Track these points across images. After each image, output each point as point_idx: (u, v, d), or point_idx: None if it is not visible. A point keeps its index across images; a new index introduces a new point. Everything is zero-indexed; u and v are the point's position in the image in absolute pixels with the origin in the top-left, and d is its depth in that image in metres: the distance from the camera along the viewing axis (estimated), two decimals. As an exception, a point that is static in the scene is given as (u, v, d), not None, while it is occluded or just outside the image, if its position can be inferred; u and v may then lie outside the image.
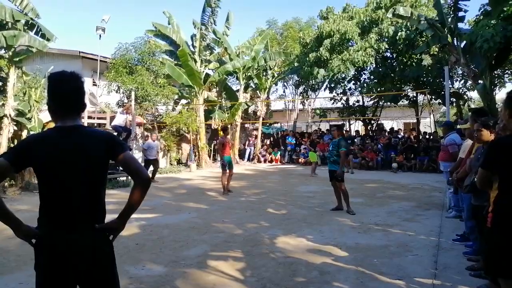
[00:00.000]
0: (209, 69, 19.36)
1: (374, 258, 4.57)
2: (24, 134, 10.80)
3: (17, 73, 10.69)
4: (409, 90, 18.40)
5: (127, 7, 68.18)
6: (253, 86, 22.46)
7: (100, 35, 17.20)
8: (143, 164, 12.12)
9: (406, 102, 18.86)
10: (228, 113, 19.22)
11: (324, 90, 21.01)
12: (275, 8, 55.01)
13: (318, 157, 15.08)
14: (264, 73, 20.83)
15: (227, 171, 9.51)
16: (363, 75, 19.30)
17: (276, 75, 21.89)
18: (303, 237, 5.54)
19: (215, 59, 19.34)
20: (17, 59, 10.50)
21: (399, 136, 17.72)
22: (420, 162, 14.92)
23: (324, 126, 23.63)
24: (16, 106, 10.41)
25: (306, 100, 24.16)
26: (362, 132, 21.15)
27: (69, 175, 1.87)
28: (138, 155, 15.38)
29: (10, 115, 10.06)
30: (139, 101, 15.16)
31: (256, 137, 20.81)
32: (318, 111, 23.23)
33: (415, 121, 20.25)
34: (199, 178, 13.21)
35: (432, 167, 14.38)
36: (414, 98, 18.68)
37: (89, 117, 12.34)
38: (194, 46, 18.29)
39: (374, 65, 17.52)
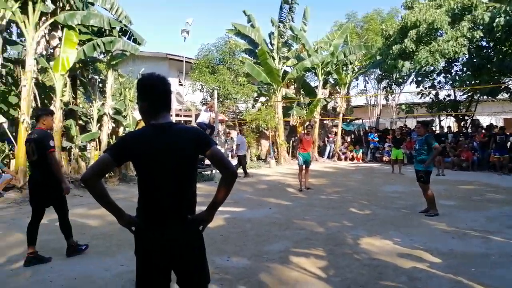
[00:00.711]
0: (287, 66, 19.38)
1: (472, 267, 4.16)
2: (121, 130, 11.86)
3: (114, 75, 11.77)
4: (509, 82, 16.44)
5: (209, 8, 71.27)
6: (332, 82, 21.97)
7: (184, 38, 18.18)
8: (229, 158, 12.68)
9: (506, 95, 16.86)
10: (306, 110, 19.06)
11: (410, 84, 19.78)
12: (354, 1, 53.07)
13: (405, 156, 14.21)
14: (344, 68, 20.23)
15: (303, 167, 9.52)
16: (455, 67, 17.70)
17: (356, 70, 21.13)
18: (389, 240, 5.25)
19: (293, 55, 19.28)
20: (114, 62, 11.55)
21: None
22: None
23: (411, 123, 22.15)
24: (113, 105, 11.46)
25: (390, 95, 22.93)
26: (454, 129, 19.45)
27: (162, 170, 2.00)
28: (221, 151, 16.03)
29: (109, 113, 11.12)
30: (221, 99, 15.75)
31: (336, 134, 20.33)
32: (403, 107, 21.92)
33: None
34: (278, 174, 13.30)
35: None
36: (517, 91, 16.64)
37: (176, 115, 13.14)
38: (272, 44, 18.44)
39: (467, 56, 15.96)
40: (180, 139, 2.05)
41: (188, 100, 16.86)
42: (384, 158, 17.13)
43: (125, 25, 10.97)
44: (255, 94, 18.84)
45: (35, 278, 3.86)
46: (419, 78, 17.95)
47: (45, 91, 10.98)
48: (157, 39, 58.41)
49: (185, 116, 14.51)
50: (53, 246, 4.88)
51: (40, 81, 10.74)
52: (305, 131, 10.09)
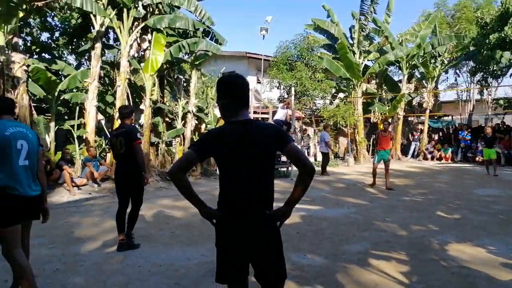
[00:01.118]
0: (368, 60, 18.59)
1: None
2: (203, 127, 12.48)
3: (197, 74, 12.37)
4: None
5: (288, 5, 71.30)
6: (418, 76, 20.56)
7: (263, 36, 18.43)
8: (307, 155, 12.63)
9: None
10: (389, 106, 18.11)
11: (510, 76, 17.70)
12: (445, -12, 48.87)
13: (502, 155, 12.79)
14: (432, 61, 18.80)
15: (376, 164, 9.47)
16: None
17: (446, 62, 19.51)
18: (483, 247, 4.77)
19: (375, 49, 18.44)
20: (197, 62, 12.15)
21: None
22: None
23: (510, 119, 19.80)
24: (196, 103, 12.08)
25: (486, 89, 20.78)
26: None
27: (241, 166, 2.08)
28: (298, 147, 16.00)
29: (192, 111, 11.75)
30: (298, 96, 15.69)
31: (421, 131, 19.01)
32: (501, 102, 19.69)
33: None
34: (357, 173, 12.86)
35: None
36: None
37: (254, 112, 13.41)
38: (352, 38, 17.85)
39: None
40: (258, 135, 2.12)
41: (265, 97, 17.09)
42: (477, 158, 15.59)
43: (208, 26, 11.43)
44: (333, 90, 18.41)
45: (126, 263, 4.22)
46: (522, 70, 16.02)
47: (136, 90, 11.97)
48: (236, 38, 60.18)
49: (262, 113, 14.74)
50: (142, 234, 5.30)
51: (132, 82, 11.71)
52: (383, 127, 9.75)
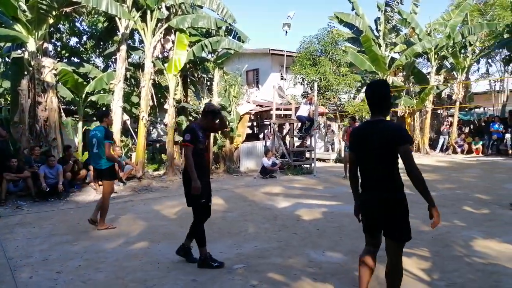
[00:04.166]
0: (394, 52, 18.12)
1: None
2: (226, 125, 12.54)
3: (220, 73, 12.46)
4: None
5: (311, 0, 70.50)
6: (448, 67, 19.83)
7: (286, 31, 18.30)
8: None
9: None
10: (416, 99, 17.60)
11: (547, 64, 16.79)
12: (477, -27, 46.86)
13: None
14: (462, 51, 18.09)
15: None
16: None
17: (477, 52, 18.71)
18: (511, 244, 4.58)
19: (401, 41, 17.93)
20: (220, 61, 12.23)
21: None
22: None
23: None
24: (219, 102, 12.17)
25: (520, 78, 19.80)
26: None
27: (369, 155, 2.76)
28: (320, 144, 15.83)
29: (215, 109, 11.84)
30: (321, 91, 15.51)
31: (451, 124, 18.35)
32: (537, 91, 18.74)
33: None
34: (383, 168, 12.59)
35: None
36: None
37: (277, 109, 13.35)
38: (378, 30, 17.47)
39: None
40: (385, 129, 2.69)
41: (289, 94, 16.98)
42: (509, 151, 14.91)
43: (230, 24, 11.48)
44: (358, 84, 18.06)
45: (146, 260, 4.33)
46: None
47: (161, 90, 12.21)
48: (259, 35, 60.05)
49: (285, 109, 14.66)
50: (163, 231, 5.43)
51: (157, 82, 11.94)
52: (348, 123, 10.83)
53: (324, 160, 14.75)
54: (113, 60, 12.54)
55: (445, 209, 6.47)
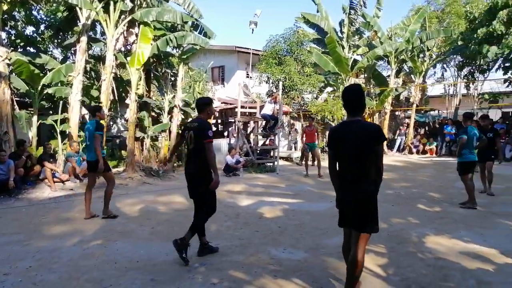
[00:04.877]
0: (357, 54, 18.63)
1: (558, 276, 3.69)
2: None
3: (185, 69, 12.27)
4: None
5: None
6: (407, 70, 20.66)
7: (252, 29, 18.33)
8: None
9: None
10: (376, 100, 18.21)
11: (496, 71, 17.87)
12: (435, -18, 48.98)
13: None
14: (420, 55, 18.90)
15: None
16: (552, 50, 15.62)
17: (434, 57, 19.63)
18: (459, 239, 4.86)
19: (364, 43, 18.47)
20: (185, 56, 12.04)
21: None
22: None
23: (495, 114, 20.03)
24: (183, 98, 12.00)
25: (472, 84, 20.97)
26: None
27: (346, 151, 2.98)
28: (284, 142, 16.01)
29: (179, 105, 11.67)
30: (286, 90, 15.67)
31: (408, 125, 19.16)
32: (487, 96, 19.93)
33: None
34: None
35: None
36: None
37: (242, 107, 13.34)
38: (342, 32, 17.86)
39: None
40: (363, 132, 2.91)
41: (254, 92, 17.04)
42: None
43: (196, 19, 11.31)
44: (322, 85, 18.42)
45: (103, 259, 4.18)
46: (508, 64, 16.16)
47: (122, 84, 11.83)
48: (226, 32, 59.78)
49: (250, 108, 14.69)
50: (121, 230, 5.28)
51: (118, 76, 11.57)
52: (308, 123, 11.26)
53: (287, 159, 14.93)
54: (73, 51, 11.99)
55: (401, 207, 6.76)
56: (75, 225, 5.55)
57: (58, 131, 9.41)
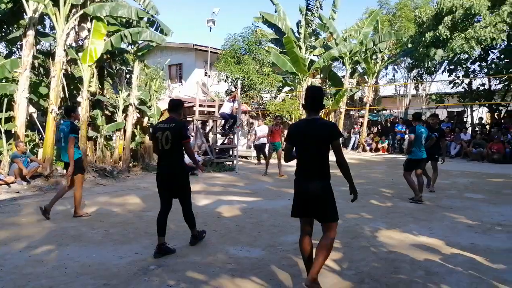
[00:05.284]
0: (314, 55, 19.05)
1: (494, 263, 3.98)
2: (145, 120, 12.07)
3: (140, 66, 11.93)
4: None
5: (237, -1, 70.83)
6: (361, 71, 21.42)
7: (210, 28, 18.18)
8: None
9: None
10: (332, 100, 18.72)
11: (442, 73, 19.00)
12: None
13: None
14: (373, 57, 19.67)
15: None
16: (491, 54, 16.85)
17: (386, 59, 20.49)
18: (409, 233, 5.11)
19: (320, 44, 18.93)
20: (140, 53, 11.71)
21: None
22: None
23: (441, 113, 21.29)
24: (139, 96, 11.66)
25: (421, 85, 22.14)
26: (487, 120, 18.59)
27: (306, 146, 3.24)
28: (244, 141, 16.04)
29: (134, 103, 11.33)
30: (245, 89, 15.72)
31: (361, 124, 19.89)
32: (434, 97, 21.12)
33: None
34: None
35: None
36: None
37: (200, 105, 13.19)
38: (299, 33, 18.17)
39: (505, 43, 15.13)
40: (322, 129, 3.19)
41: (212, 90, 16.92)
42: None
43: (152, 16, 11.04)
44: (280, 84, 18.66)
45: (51, 265, 3.96)
46: (452, 67, 17.23)
47: (74, 82, 11.29)
48: (184, 30, 58.81)
49: (209, 106, 14.56)
50: (72, 233, 5.05)
51: (69, 72, 11.05)
52: (275, 122, 11.37)
53: (246, 157, 14.97)
54: (19, 46, 11.28)
55: (355, 203, 6.86)
56: (22, 230, 5.22)
57: (2, 130, 8.83)
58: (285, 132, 11.74)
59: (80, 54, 10.27)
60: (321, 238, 3.32)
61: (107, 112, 11.79)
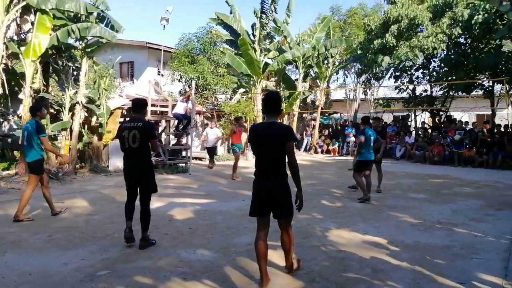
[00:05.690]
0: (268, 58, 19.27)
1: (435, 259, 4.25)
2: (94, 120, 11.55)
3: (89, 63, 11.42)
4: (484, 79, 16.82)
5: (192, -2, 69.91)
6: (313, 75, 21.98)
7: (164, 26, 17.81)
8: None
9: (480, 92, 17.23)
10: (286, 103, 19.04)
11: (389, 79, 19.98)
12: (339, -6, 53.02)
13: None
14: (325, 62, 20.27)
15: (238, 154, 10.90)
16: (433, 62, 17.98)
17: (337, 64, 21.20)
18: (357, 232, 5.31)
19: (274, 48, 19.17)
20: (89, 50, 11.20)
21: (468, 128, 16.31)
22: (494, 158, 13.63)
23: (388, 117, 22.45)
24: (87, 94, 11.14)
25: (369, 90, 23.17)
26: (430, 124, 19.84)
27: (265, 148, 3.43)
28: (197, 143, 15.87)
29: (81, 102, 10.80)
30: (199, 90, 15.56)
31: (314, 127, 20.42)
32: (381, 101, 22.21)
33: (489, 113, 18.49)
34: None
35: (508, 163, 13.14)
36: (490, 88, 17.02)
37: (153, 105, 12.87)
38: (254, 35, 18.28)
39: (445, 52, 16.24)
40: (279, 132, 3.40)
41: (166, 90, 16.58)
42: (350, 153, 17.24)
43: (102, 11, 10.61)
44: (235, 86, 18.68)
45: (-13, 274, 3.69)
46: (398, 73, 18.17)
47: (15, 77, 10.58)
48: (136, 27, 57.20)
49: (162, 106, 14.25)
50: (11, 239, 4.72)
51: (10, 67, 10.34)
52: (238, 123, 11.37)
53: (200, 159, 14.82)
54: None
55: (307, 203, 7.00)
56: (-48, 238, 4.80)
57: None
58: (244, 134, 11.79)
59: (22, 48, 9.63)
60: (282, 235, 3.62)
61: (52, 110, 11.14)
